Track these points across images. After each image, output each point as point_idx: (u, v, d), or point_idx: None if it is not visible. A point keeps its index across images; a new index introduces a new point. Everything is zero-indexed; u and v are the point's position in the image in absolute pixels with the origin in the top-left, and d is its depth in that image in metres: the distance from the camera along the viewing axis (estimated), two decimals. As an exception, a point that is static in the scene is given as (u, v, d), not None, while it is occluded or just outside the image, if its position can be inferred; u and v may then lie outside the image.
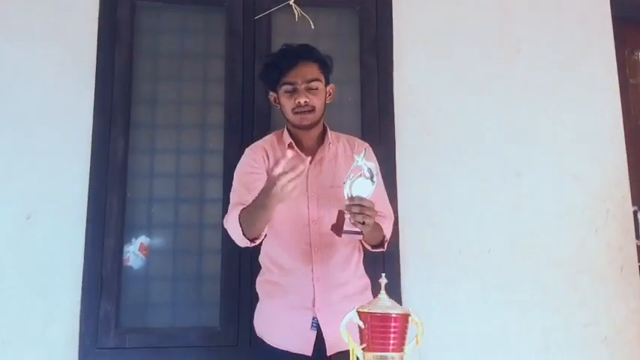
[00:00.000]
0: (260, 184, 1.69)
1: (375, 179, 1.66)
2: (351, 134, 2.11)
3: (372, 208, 1.67)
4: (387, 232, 1.91)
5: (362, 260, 1.97)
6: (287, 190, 1.53)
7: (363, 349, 1.30)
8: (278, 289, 1.88)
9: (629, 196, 2.52)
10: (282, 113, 1.92)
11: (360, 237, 1.76)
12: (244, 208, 1.74)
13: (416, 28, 2.54)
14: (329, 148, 1.94)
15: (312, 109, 1.87)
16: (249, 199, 1.75)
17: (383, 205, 1.91)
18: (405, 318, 1.30)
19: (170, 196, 2.36)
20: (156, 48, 2.47)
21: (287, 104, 1.87)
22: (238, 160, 1.96)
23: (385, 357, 1.29)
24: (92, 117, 2.32)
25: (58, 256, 2.23)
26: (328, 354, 1.79)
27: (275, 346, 1.83)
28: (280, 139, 1.96)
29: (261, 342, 1.88)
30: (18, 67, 2.34)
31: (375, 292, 1.40)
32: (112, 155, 2.31)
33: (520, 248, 2.42)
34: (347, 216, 1.66)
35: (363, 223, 1.66)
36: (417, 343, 1.33)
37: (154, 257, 2.34)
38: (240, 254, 2.25)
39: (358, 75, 2.46)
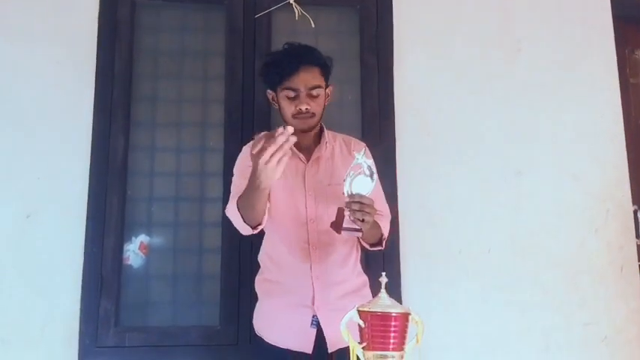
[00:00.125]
0: None
1: (374, 177, 1.67)
2: (351, 133, 2.11)
3: (371, 206, 1.67)
4: (385, 231, 1.92)
5: (359, 258, 1.97)
6: (272, 165, 1.50)
7: (363, 348, 1.30)
8: (277, 287, 1.88)
9: (630, 195, 2.52)
10: (281, 114, 1.92)
11: (360, 234, 1.76)
12: (241, 195, 1.74)
13: (416, 27, 2.54)
14: (326, 147, 1.95)
15: (313, 115, 1.87)
16: None
17: (380, 203, 1.91)
18: (405, 317, 1.30)
19: (170, 195, 2.36)
20: (156, 46, 2.46)
21: (287, 108, 1.87)
22: (240, 155, 1.96)
23: (385, 356, 1.29)
24: (92, 115, 2.32)
25: (57, 254, 2.23)
26: (330, 351, 1.80)
27: (275, 344, 1.84)
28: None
29: (260, 340, 1.88)
30: (18, 65, 2.33)
31: (375, 291, 1.39)
32: (112, 154, 2.31)
33: (520, 248, 2.42)
34: (346, 213, 1.66)
35: (363, 221, 1.66)
36: (417, 342, 1.33)
37: (153, 256, 2.34)
38: (240, 253, 2.25)
39: (358, 74, 2.46)
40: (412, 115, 2.47)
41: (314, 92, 1.85)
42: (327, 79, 1.92)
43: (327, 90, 1.92)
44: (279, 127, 1.97)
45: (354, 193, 1.65)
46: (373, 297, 1.36)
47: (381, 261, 2.22)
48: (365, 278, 1.96)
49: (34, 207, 2.25)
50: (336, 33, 2.54)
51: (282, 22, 2.48)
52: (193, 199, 2.37)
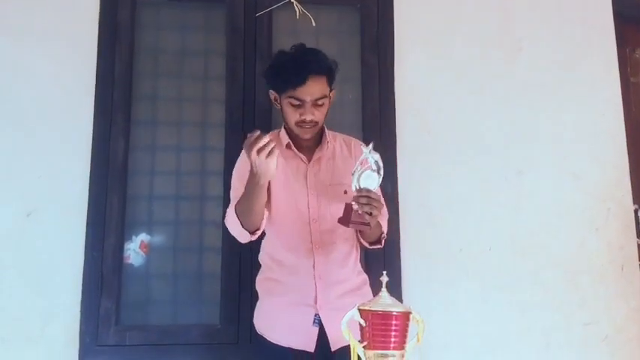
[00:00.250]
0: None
1: (381, 172, 1.69)
2: (351, 133, 2.12)
3: (378, 200, 1.70)
4: (385, 229, 1.92)
5: (359, 257, 1.98)
6: (262, 161, 1.57)
7: (364, 346, 1.30)
8: (279, 286, 1.89)
9: (630, 195, 2.52)
10: (283, 116, 1.92)
11: (368, 228, 1.77)
12: (239, 200, 1.76)
13: (417, 27, 2.54)
14: (327, 147, 1.95)
15: (316, 124, 1.87)
16: None
17: None
18: (406, 316, 1.30)
19: (171, 194, 2.36)
20: (156, 45, 2.46)
21: (291, 115, 1.86)
22: (239, 158, 1.96)
23: (386, 355, 1.29)
24: (93, 114, 2.32)
25: (58, 253, 2.23)
26: (332, 349, 1.80)
27: (277, 343, 1.84)
28: (278, 139, 1.95)
29: (262, 339, 1.88)
30: (18, 64, 2.33)
31: (376, 290, 1.40)
32: (112, 153, 2.31)
33: (520, 247, 2.42)
34: (355, 207, 1.69)
35: (371, 214, 1.68)
36: (417, 341, 1.33)
37: (154, 255, 2.34)
38: (240, 252, 2.25)
39: (359, 73, 2.46)
40: (412, 114, 2.47)
41: (319, 102, 1.84)
42: (331, 85, 1.91)
43: (330, 94, 1.91)
44: (275, 130, 2.00)
45: (361, 187, 1.68)
46: (373, 296, 1.37)
47: (382, 260, 2.22)
48: (365, 277, 1.97)
49: (34, 206, 2.25)
50: (337, 32, 2.54)
51: (283, 21, 2.48)
52: (194, 198, 2.37)
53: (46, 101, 2.32)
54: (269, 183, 1.85)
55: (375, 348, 1.29)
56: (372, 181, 1.68)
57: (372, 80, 2.47)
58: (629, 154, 2.55)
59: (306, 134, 1.88)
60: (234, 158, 2.06)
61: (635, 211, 2.52)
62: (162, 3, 2.49)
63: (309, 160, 1.93)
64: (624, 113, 2.57)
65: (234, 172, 1.94)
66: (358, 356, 1.30)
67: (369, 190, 1.68)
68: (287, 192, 1.88)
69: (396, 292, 2.22)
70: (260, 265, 1.98)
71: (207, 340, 2.25)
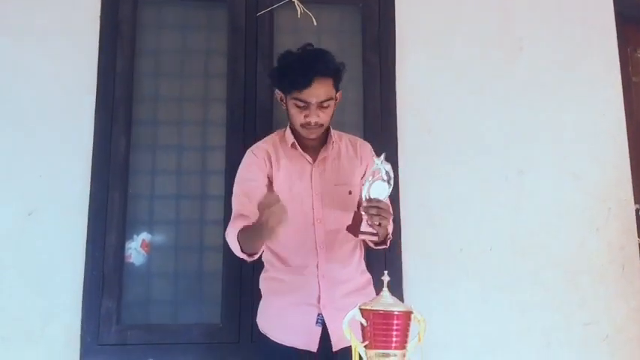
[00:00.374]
0: (260, 193, 1.73)
1: (392, 182, 1.70)
2: (352, 132, 2.11)
3: (388, 210, 1.71)
4: (390, 230, 1.92)
5: (363, 257, 1.98)
6: (270, 226, 1.58)
7: (365, 346, 1.30)
8: (283, 286, 1.88)
9: (631, 195, 2.52)
10: (288, 117, 1.91)
11: (376, 238, 1.79)
12: (242, 230, 1.76)
13: (418, 26, 2.54)
14: (332, 147, 1.95)
15: (321, 126, 1.87)
16: (250, 208, 1.76)
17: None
18: (407, 315, 1.30)
19: (172, 193, 2.36)
20: (158, 44, 2.46)
21: (296, 116, 1.85)
22: (240, 157, 1.96)
23: (387, 354, 1.29)
24: (94, 113, 2.32)
25: (59, 252, 2.23)
26: (334, 350, 1.80)
27: (280, 342, 1.84)
28: (283, 139, 1.96)
29: (264, 338, 1.88)
30: (19, 64, 2.33)
31: (377, 289, 1.40)
32: (113, 152, 2.31)
33: (521, 247, 2.42)
34: (364, 217, 1.70)
35: (380, 225, 1.69)
36: (419, 340, 1.33)
37: (155, 254, 2.34)
38: (241, 251, 2.24)
39: (360, 72, 2.46)
40: (413, 114, 2.47)
41: (325, 104, 1.84)
42: (337, 86, 1.90)
43: (336, 95, 1.90)
44: (281, 129, 1.99)
45: (371, 197, 1.69)
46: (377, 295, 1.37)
47: (383, 260, 2.22)
48: (368, 276, 1.97)
49: (35, 205, 2.25)
50: (338, 31, 2.54)
51: (284, 20, 2.48)
52: (195, 197, 2.37)
53: (47, 100, 2.32)
54: (272, 184, 1.86)
55: (376, 347, 1.29)
56: (382, 190, 1.69)
57: (374, 80, 2.47)
58: (630, 154, 2.54)
59: (311, 135, 1.88)
60: (235, 157, 2.06)
61: (636, 211, 2.52)
62: (164, 2, 2.49)
63: (315, 160, 1.92)
64: (625, 113, 2.57)
65: (236, 177, 1.93)
66: (359, 356, 1.31)
67: (378, 201, 1.69)
68: (292, 193, 1.88)
69: (397, 291, 2.22)
70: (262, 264, 1.98)
71: (208, 339, 2.25)
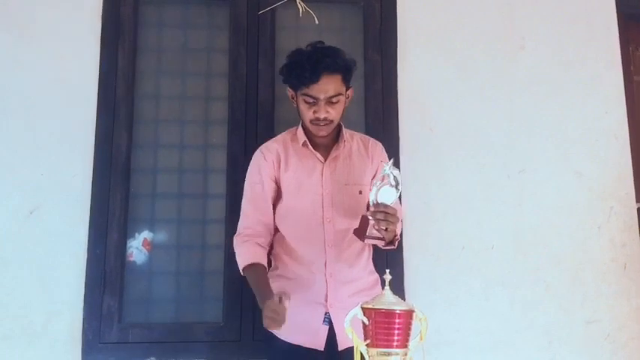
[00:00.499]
0: (265, 198, 1.86)
1: (399, 187, 1.71)
2: (354, 129, 2.11)
3: (395, 215, 1.71)
4: (399, 232, 1.92)
5: (371, 256, 1.99)
6: (268, 325, 1.65)
7: (367, 345, 1.30)
8: (291, 284, 1.88)
9: (633, 193, 2.52)
10: (299, 113, 1.92)
11: (382, 243, 1.80)
12: (250, 268, 1.84)
13: (420, 24, 2.53)
14: (344, 145, 1.94)
15: (331, 122, 1.87)
16: (260, 218, 1.86)
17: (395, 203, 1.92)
18: (409, 314, 1.30)
19: (173, 192, 2.36)
20: (159, 43, 2.46)
21: (305, 112, 1.86)
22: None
23: (389, 353, 1.29)
24: (95, 112, 2.32)
25: (61, 250, 2.23)
26: (339, 349, 1.81)
27: (287, 340, 1.84)
28: (294, 137, 1.96)
29: (271, 337, 1.86)
30: (21, 62, 2.33)
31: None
32: (115, 150, 2.31)
33: (523, 245, 2.42)
34: (371, 222, 1.71)
35: (386, 229, 1.70)
36: (420, 339, 1.33)
37: (157, 252, 2.34)
38: (243, 250, 2.24)
39: (362, 71, 2.45)
40: (415, 112, 2.46)
41: (333, 99, 1.84)
42: (348, 83, 1.90)
43: (347, 92, 1.90)
44: (293, 127, 1.99)
45: (379, 202, 1.70)
46: (383, 295, 1.37)
47: (385, 257, 2.22)
48: (376, 277, 1.97)
49: (37, 203, 2.25)
50: (340, 30, 2.54)
51: (286, 19, 2.47)
52: (196, 196, 2.37)
53: (49, 98, 2.32)
54: (282, 182, 1.90)
55: (378, 346, 1.29)
56: (389, 195, 1.71)
57: (375, 77, 2.47)
58: (632, 152, 2.54)
59: (321, 132, 1.88)
60: (236, 155, 2.07)
61: (638, 209, 2.52)
62: (165, 0, 2.49)
63: (326, 159, 1.92)
64: (627, 111, 2.57)
65: (246, 179, 1.96)
66: (361, 354, 1.31)
67: (386, 205, 1.69)
68: (302, 191, 1.88)
69: (399, 290, 2.22)
70: (271, 262, 1.98)
71: (210, 337, 2.25)
